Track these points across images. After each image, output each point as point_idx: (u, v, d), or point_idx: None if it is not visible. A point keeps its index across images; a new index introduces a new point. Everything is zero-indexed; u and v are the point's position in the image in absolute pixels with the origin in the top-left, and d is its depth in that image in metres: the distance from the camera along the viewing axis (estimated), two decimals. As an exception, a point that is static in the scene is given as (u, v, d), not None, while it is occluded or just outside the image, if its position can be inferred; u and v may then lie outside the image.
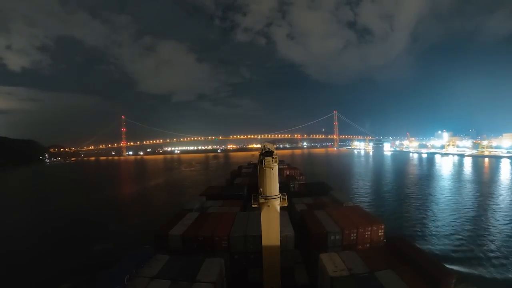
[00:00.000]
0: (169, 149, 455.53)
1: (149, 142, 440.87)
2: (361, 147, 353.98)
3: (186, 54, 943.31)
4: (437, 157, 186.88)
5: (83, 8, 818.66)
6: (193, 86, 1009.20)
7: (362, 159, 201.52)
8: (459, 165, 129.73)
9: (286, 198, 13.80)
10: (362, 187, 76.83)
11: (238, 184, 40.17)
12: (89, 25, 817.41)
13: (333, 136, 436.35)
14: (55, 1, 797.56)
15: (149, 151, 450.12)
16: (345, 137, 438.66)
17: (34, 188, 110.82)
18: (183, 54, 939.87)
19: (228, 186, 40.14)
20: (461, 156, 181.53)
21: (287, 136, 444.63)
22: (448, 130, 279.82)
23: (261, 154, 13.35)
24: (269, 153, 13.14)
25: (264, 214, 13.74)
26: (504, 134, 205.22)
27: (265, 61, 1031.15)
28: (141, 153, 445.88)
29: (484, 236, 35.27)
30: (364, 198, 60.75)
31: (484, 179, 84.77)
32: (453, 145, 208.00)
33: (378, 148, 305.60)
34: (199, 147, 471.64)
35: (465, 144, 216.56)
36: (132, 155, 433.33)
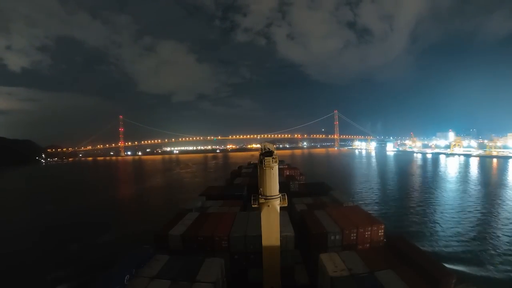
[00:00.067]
0: (168, 149, 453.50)
1: (148, 142, 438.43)
2: (363, 147, 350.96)
3: (186, 54, 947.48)
4: (442, 157, 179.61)
5: (83, 8, 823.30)
6: (193, 86, 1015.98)
7: (364, 159, 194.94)
8: (468, 166, 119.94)
9: (286, 198, 13.81)
10: (366, 191, 68.34)
11: (238, 184, 40.16)
12: (89, 25, 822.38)
13: (334, 136, 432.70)
14: (55, 1, 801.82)
15: (148, 151, 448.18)
16: (345, 137, 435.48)
17: (22, 190, 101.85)
18: (183, 54, 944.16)
19: (228, 186, 40.23)
20: (467, 156, 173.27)
21: (287, 136, 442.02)
22: (449, 130, 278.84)
23: (261, 154, 13.35)
24: (269, 153, 13.15)
25: (264, 214, 13.74)
26: (509, 134, 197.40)
27: (265, 61, 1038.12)
28: (140, 153, 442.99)
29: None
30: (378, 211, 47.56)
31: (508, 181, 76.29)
32: (459, 145, 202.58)
33: (380, 148, 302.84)
34: (198, 147, 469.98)
35: (469, 144, 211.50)
36: (131, 155, 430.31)
